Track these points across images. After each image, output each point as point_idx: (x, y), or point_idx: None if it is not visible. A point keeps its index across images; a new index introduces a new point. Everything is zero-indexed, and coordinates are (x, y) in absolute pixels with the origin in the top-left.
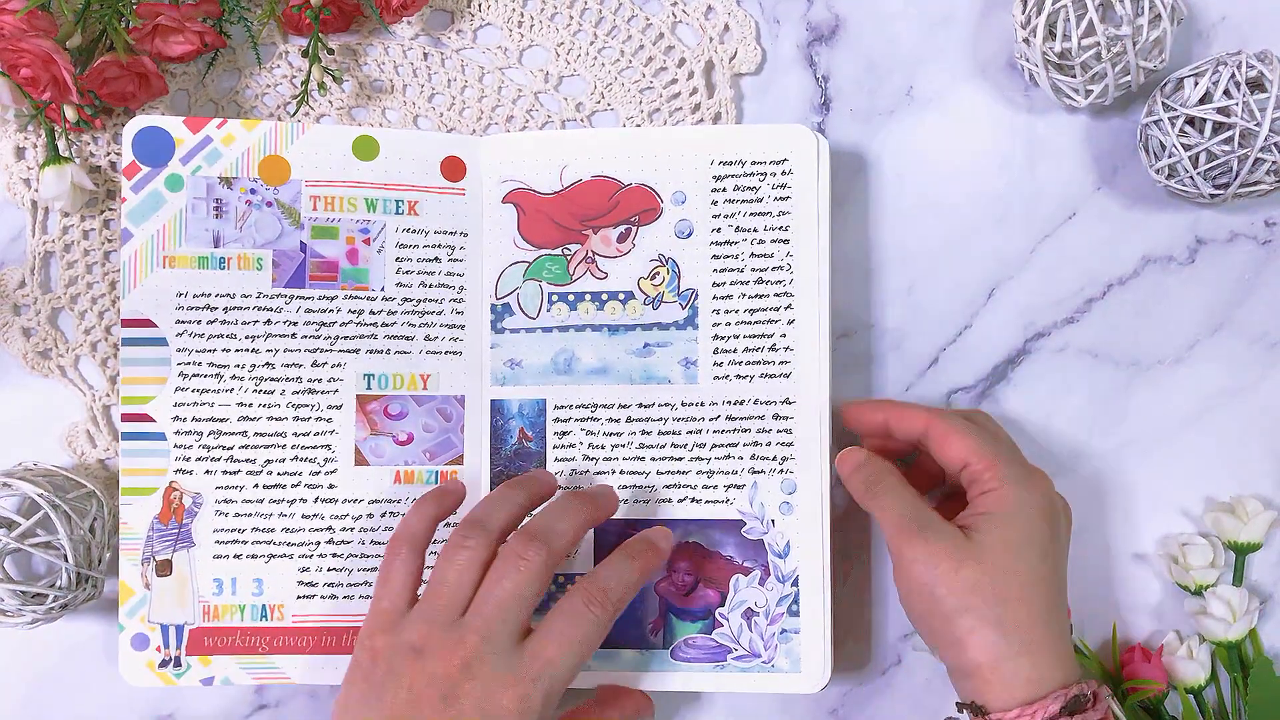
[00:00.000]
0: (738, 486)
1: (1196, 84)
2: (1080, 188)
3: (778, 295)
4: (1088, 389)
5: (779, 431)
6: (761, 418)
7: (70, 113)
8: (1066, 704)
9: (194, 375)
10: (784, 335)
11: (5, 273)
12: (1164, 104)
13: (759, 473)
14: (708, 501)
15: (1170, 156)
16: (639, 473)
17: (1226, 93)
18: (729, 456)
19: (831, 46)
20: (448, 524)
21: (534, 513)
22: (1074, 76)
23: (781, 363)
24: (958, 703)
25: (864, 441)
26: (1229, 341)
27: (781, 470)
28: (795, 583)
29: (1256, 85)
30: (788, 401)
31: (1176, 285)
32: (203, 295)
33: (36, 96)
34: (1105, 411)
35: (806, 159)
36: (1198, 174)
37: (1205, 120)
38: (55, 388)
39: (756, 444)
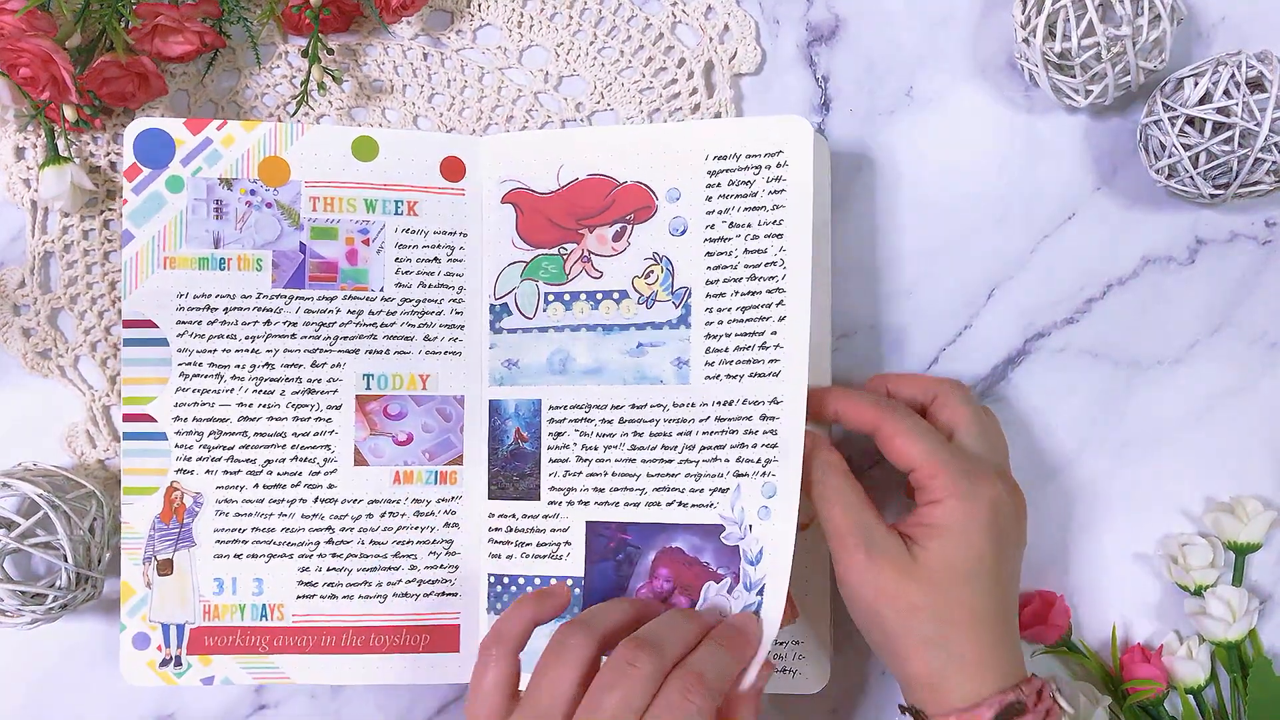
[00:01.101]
0: (721, 490)
1: (1196, 84)
2: (1080, 188)
3: (770, 291)
4: (1088, 389)
5: (765, 433)
6: (749, 418)
7: (70, 113)
8: (1001, 711)
9: (195, 375)
10: (775, 333)
11: (5, 273)
12: (1164, 104)
13: (743, 475)
14: (694, 505)
15: (1170, 156)
16: (630, 474)
17: (1226, 93)
18: (715, 459)
19: (831, 47)
20: None
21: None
22: (1074, 76)
23: (771, 361)
24: (900, 704)
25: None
26: (1229, 341)
27: (764, 473)
28: (761, 592)
29: (1256, 85)
30: (775, 401)
31: (1176, 285)
32: (203, 296)
33: (36, 96)
34: (1105, 411)
35: (802, 150)
36: (1198, 174)
37: (1205, 120)
38: (55, 388)
39: (743, 445)
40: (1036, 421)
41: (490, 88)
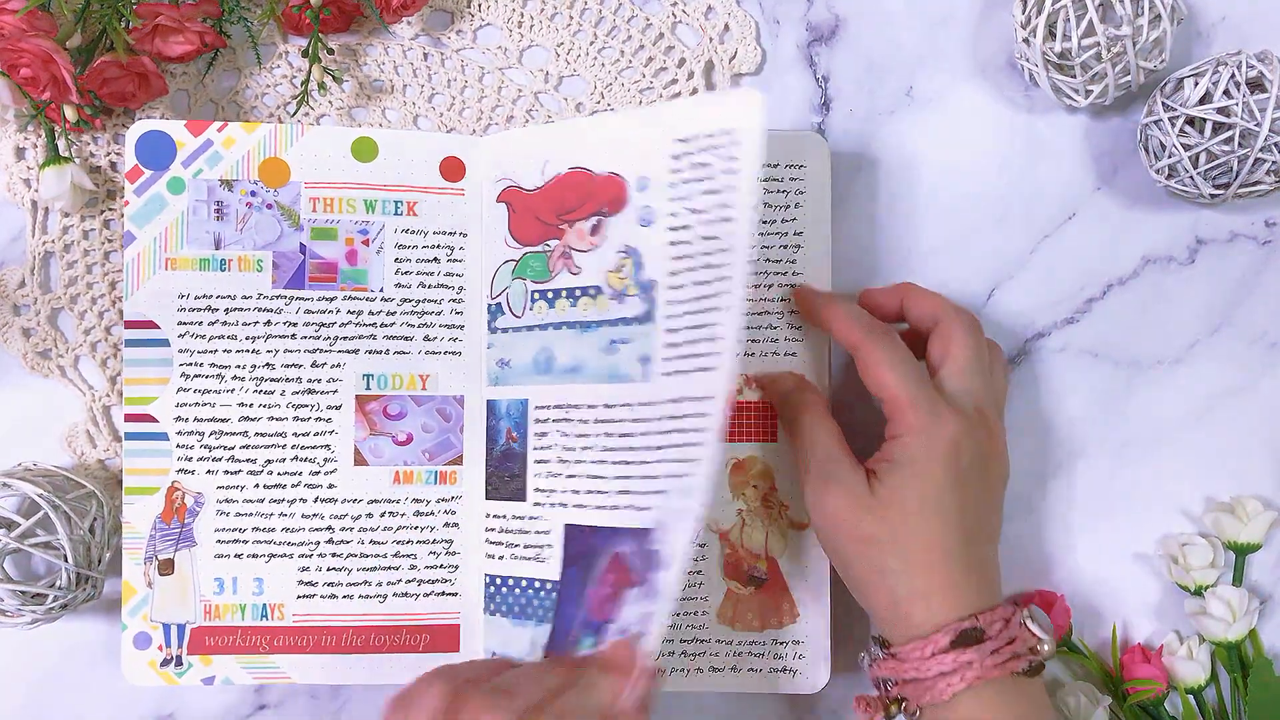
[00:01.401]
0: (660, 492)
1: (1196, 84)
2: (1080, 188)
3: (718, 280)
4: (1088, 389)
5: (694, 430)
6: (691, 415)
7: (70, 113)
8: (957, 636)
9: (196, 376)
10: (718, 325)
11: (5, 273)
12: (1164, 104)
13: (678, 476)
14: (640, 509)
15: (1170, 156)
16: (601, 476)
17: (1226, 93)
18: (662, 460)
19: (831, 47)
20: None
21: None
22: (1074, 76)
23: (714, 354)
24: (872, 635)
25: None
26: (1229, 341)
27: (688, 473)
28: (656, 598)
29: (1256, 85)
30: (708, 397)
31: (1176, 285)
32: (204, 297)
33: (36, 96)
34: (1105, 411)
35: (751, 125)
36: (1198, 174)
37: (1205, 120)
38: (55, 388)
39: (683, 445)
40: (1036, 421)
41: (490, 88)
